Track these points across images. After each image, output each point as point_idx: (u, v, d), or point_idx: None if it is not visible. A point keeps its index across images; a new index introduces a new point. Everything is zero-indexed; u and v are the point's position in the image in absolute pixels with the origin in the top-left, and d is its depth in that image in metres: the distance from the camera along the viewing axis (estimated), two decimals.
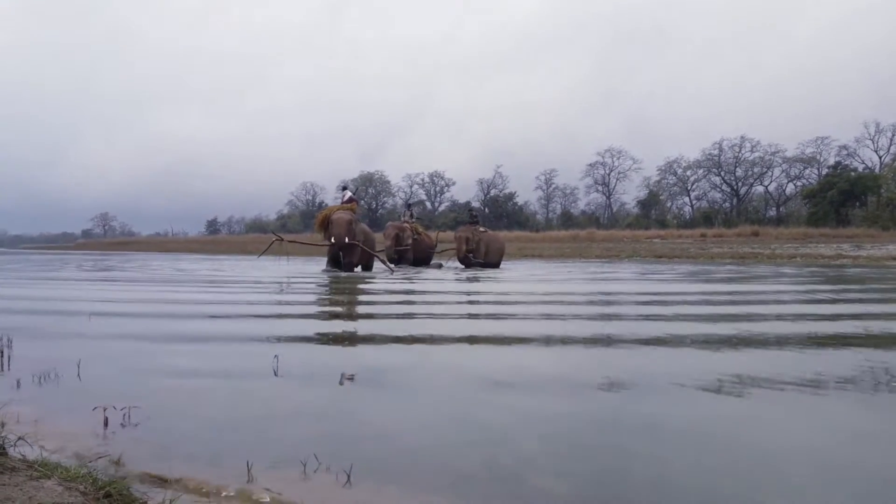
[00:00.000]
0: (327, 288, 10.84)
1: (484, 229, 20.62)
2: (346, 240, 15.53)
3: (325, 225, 16.31)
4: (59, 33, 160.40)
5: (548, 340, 4.78)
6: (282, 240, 17.13)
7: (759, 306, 7.55)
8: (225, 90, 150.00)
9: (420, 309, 7.41)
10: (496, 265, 19.75)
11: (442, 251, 21.01)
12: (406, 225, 19.87)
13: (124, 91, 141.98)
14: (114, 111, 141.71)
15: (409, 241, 19.47)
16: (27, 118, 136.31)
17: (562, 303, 8.11)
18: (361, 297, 9.04)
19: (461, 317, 6.62)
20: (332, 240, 15.69)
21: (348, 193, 17.94)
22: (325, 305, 7.99)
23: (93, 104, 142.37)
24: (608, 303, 8.21)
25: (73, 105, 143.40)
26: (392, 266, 17.37)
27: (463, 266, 19.54)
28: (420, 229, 20.86)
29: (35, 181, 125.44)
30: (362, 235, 16.46)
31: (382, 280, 12.81)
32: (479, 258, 19.24)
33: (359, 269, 16.49)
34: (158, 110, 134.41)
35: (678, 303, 7.95)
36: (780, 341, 4.63)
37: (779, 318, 6.25)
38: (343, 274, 14.90)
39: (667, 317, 6.34)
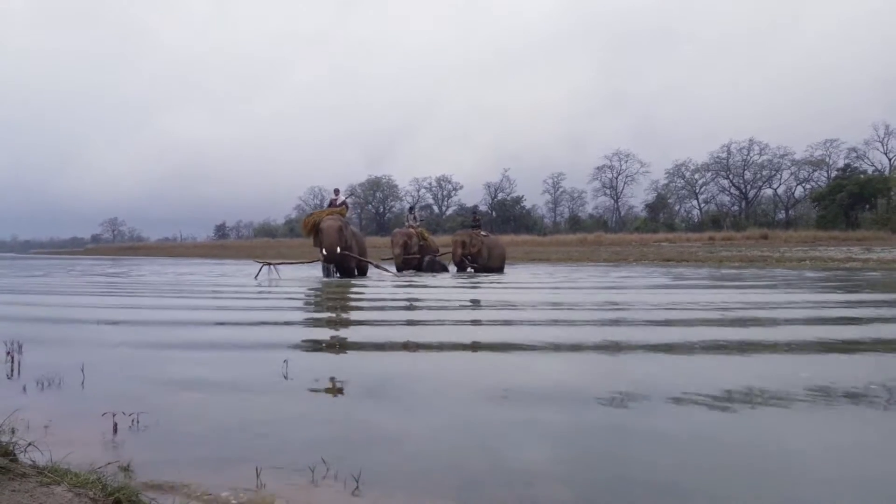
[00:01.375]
0: (311, 296, 10.65)
1: (485, 233, 20.00)
2: (338, 250, 15.07)
3: (315, 231, 15.80)
4: (72, 36, 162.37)
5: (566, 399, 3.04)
6: (269, 264, 16.36)
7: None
8: (234, 94, 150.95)
9: (417, 333, 5.77)
10: (498, 270, 19.10)
11: (442, 255, 20.47)
12: (412, 230, 19.36)
13: (134, 95, 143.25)
14: (123, 115, 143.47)
15: (417, 247, 18.98)
16: (37, 122, 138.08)
17: (571, 323, 6.42)
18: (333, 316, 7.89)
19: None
20: (323, 251, 15.15)
21: (341, 197, 17.42)
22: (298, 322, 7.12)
23: (103, 108, 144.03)
24: (625, 321, 6.42)
25: (83, 109, 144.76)
26: (387, 269, 16.98)
27: (459, 270, 18.94)
28: (426, 234, 20.38)
29: (45, 186, 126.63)
30: (353, 240, 15.97)
31: (375, 286, 12.66)
32: (480, 263, 18.64)
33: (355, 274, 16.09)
34: (168, 114, 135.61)
35: (713, 322, 6.15)
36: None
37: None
38: (335, 280, 14.44)
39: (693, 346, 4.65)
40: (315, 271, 17.10)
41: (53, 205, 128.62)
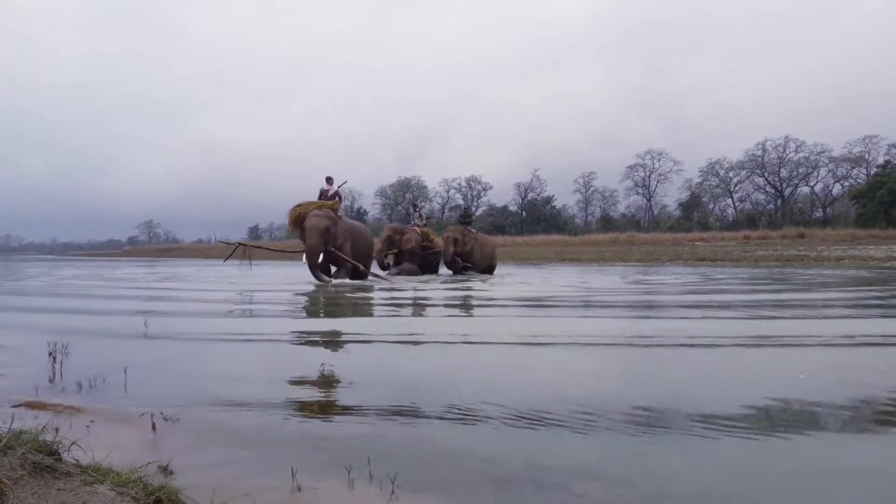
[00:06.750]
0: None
1: (475, 231, 18.38)
2: (320, 257, 13.17)
3: (301, 225, 13.68)
4: (110, 38, 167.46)
5: None
6: (244, 246, 15.19)
7: None
8: (268, 96, 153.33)
9: None
10: (488, 272, 17.89)
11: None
12: (399, 226, 18.29)
13: (171, 97, 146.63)
14: (160, 118, 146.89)
15: (409, 245, 17.42)
16: (75, 125, 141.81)
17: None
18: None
19: None
20: (305, 252, 13.29)
21: (334, 187, 14.84)
22: None
23: (140, 111, 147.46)
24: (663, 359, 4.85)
25: (121, 112, 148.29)
26: (375, 274, 14.79)
27: (451, 271, 17.37)
28: (431, 234, 18.78)
29: (83, 189, 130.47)
30: (346, 238, 13.84)
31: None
32: (471, 262, 17.35)
33: (351, 278, 14.00)
34: (204, 117, 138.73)
35: None
36: None
37: None
38: (314, 285, 12.44)
39: None
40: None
41: (91, 207, 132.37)
